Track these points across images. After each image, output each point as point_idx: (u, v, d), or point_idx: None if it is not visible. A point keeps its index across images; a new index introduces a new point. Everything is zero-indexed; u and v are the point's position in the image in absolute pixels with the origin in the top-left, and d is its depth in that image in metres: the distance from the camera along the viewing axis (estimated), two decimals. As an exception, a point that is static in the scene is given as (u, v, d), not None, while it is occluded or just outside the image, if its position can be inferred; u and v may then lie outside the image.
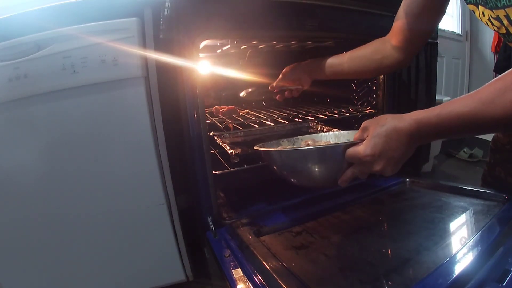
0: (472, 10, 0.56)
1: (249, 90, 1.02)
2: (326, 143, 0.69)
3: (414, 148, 0.47)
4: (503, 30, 0.51)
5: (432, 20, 0.65)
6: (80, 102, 0.65)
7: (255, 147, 0.65)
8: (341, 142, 0.69)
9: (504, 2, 0.46)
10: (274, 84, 0.87)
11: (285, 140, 0.73)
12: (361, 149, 0.47)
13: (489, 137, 0.71)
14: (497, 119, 0.39)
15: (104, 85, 0.65)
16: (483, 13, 0.53)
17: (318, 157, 0.53)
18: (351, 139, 0.68)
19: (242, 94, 1.05)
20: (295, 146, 0.71)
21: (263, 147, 0.66)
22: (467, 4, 0.56)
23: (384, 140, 0.45)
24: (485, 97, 0.40)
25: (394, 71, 0.92)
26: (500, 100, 0.39)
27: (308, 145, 0.69)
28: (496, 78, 0.41)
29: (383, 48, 0.73)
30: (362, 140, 0.48)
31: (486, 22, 0.54)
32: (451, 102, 0.44)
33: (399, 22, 0.67)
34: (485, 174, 0.77)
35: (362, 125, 0.50)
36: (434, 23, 0.67)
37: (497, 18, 0.50)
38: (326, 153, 0.52)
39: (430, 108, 0.45)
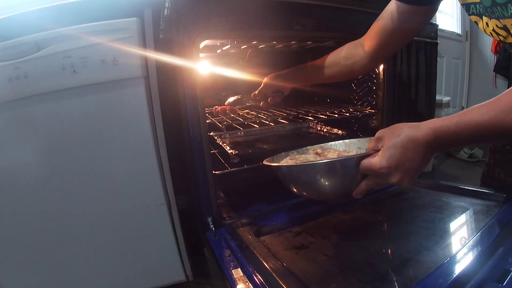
0: (475, 22, 0.55)
1: (233, 99, 1.03)
2: (336, 152, 0.67)
3: (430, 158, 0.45)
4: (510, 40, 0.50)
5: (419, 23, 0.65)
6: (80, 102, 0.65)
7: (264, 162, 0.63)
8: (351, 151, 0.67)
9: None
10: (257, 92, 0.89)
11: (294, 151, 0.71)
12: (376, 161, 0.45)
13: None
14: None
15: (104, 85, 0.65)
16: (487, 23, 0.52)
17: (331, 170, 0.51)
18: (362, 147, 0.66)
19: (227, 102, 1.07)
20: (303, 155, 0.69)
21: (273, 162, 0.64)
22: (469, 15, 0.55)
23: (400, 151, 0.43)
24: (505, 105, 0.40)
25: (361, 75, 0.96)
26: None
27: (317, 153, 0.67)
28: None
29: (355, 53, 0.73)
30: (376, 151, 0.46)
31: (490, 32, 0.53)
32: (469, 111, 0.43)
33: (380, 24, 0.67)
34: (484, 175, 0.76)
35: (376, 135, 0.48)
36: (421, 26, 0.66)
37: (504, 28, 0.49)
38: (340, 166, 0.50)
39: (447, 117, 0.44)
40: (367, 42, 0.70)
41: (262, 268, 0.49)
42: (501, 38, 0.52)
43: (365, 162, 0.46)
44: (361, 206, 0.75)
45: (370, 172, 0.47)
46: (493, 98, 0.42)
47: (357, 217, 0.69)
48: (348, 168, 0.49)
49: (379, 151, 0.46)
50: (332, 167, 0.50)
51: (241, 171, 0.80)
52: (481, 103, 0.43)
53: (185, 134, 0.69)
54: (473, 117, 0.42)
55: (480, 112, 0.42)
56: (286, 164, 0.60)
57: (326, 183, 0.52)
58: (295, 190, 0.58)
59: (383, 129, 0.48)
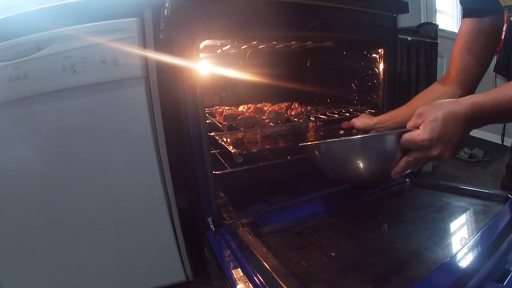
0: None
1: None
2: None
3: (469, 132, 0.46)
4: None
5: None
6: (80, 102, 0.65)
7: (300, 145, 0.62)
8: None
9: None
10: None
11: None
12: (418, 133, 0.46)
13: (489, 137, 0.70)
14: None
15: (104, 85, 0.65)
16: None
17: (371, 145, 0.51)
18: None
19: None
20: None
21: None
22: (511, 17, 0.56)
23: (441, 124, 0.44)
24: None
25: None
26: None
27: None
28: None
29: (447, 91, 0.70)
30: (416, 128, 0.48)
31: None
32: (505, 86, 0.44)
33: (459, 49, 0.67)
34: (504, 178, 0.74)
35: (416, 112, 0.49)
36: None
37: None
38: (380, 141, 0.50)
39: (484, 92, 0.45)
40: (452, 74, 0.69)
41: (262, 268, 0.49)
42: None
43: (407, 135, 0.47)
44: (361, 206, 0.75)
45: (412, 146, 0.48)
46: None
47: (357, 217, 0.69)
48: (388, 143, 0.49)
49: (418, 128, 0.47)
50: (372, 142, 0.51)
51: (241, 171, 0.80)
52: None
53: (185, 134, 0.69)
54: (507, 92, 0.43)
55: None
56: (325, 141, 0.57)
57: (366, 160, 0.52)
58: (333, 170, 0.57)
59: (423, 106, 0.49)
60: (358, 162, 0.52)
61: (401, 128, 0.58)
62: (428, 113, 0.46)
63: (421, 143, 0.46)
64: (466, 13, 0.63)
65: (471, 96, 0.46)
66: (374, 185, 0.82)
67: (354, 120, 0.78)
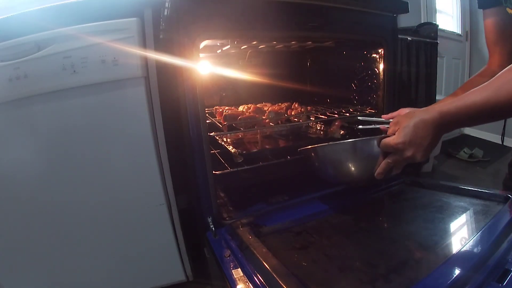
0: None
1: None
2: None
3: (440, 136, 0.52)
4: None
5: None
6: (80, 102, 0.65)
7: (299, 149, 0.72)
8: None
9: None
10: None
11: None
12: (393, 138, 0.54)
13: (489, 137, 0.70)
14: (504, 105, 0.44)
15: (104, 85, 0.65)
16: None
17: (357, 148, 0.60)
18: None
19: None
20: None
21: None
22: (507, 7, 0.60)
23: (412, 130, 0.51)
24: (495, 86, 0.45)
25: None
26: (506, 87, 0.44)
27: None
28: (507, 68, 0.44)
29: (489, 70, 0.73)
30: (394, 134, 0.55)
31: None
32: (469, 93, 0.49)
33: (493, 38, 0.70)
34: (506, 178, 0.75)
35: (393, 120, 0.57)
36: None
37: None
38: (364, 144, 0.59)
39: (452, 100, 0.50)
40: (494, 66, 0.72)
41: (262, 268, 0.49)
42: None
43: (385, 140, 0.55)
44: (361, 206, 0.75)
45: (388, 149, 0.55)
46: (489, 80, 0.47)
47: (357, 217, 0.69)
48: (370, 147, 0.58)
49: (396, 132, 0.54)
50: (359, 145, 0.60)
51: (241, 171, 0.80)
52: (481, 85, 0.47)
53: (185, 134, 0.69)
54: (469, 99, 0.48)
55: (476, 93, 0.47)
56: (319, 145, 0.67)
57: (354, 161, 0.61)
58: (327, 171, 0.66)
59: (400, 115, 0.56)
60: (348, 162, 0.61)
61: None
62: (402, 121, 0.53)
63: (396, 146, 0.53)
64: (482, 3, 0.67)
65: (440, 104, 0.51)
66: (373, 185, 0.82)
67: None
